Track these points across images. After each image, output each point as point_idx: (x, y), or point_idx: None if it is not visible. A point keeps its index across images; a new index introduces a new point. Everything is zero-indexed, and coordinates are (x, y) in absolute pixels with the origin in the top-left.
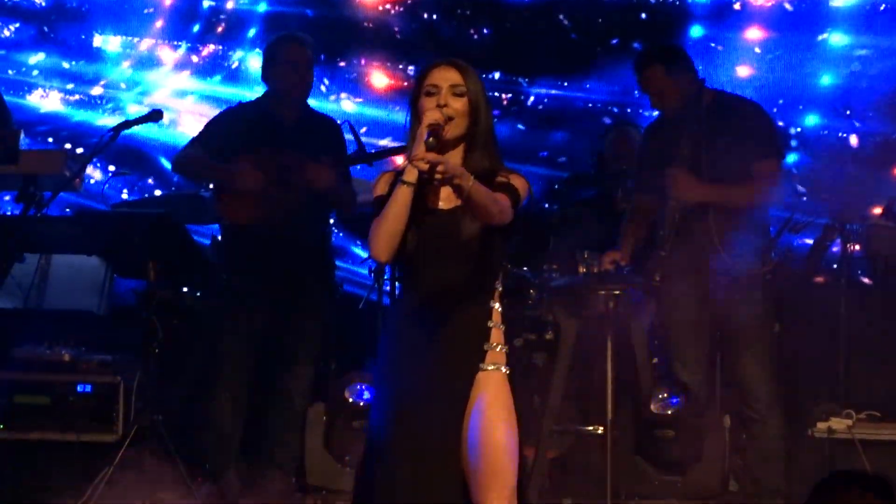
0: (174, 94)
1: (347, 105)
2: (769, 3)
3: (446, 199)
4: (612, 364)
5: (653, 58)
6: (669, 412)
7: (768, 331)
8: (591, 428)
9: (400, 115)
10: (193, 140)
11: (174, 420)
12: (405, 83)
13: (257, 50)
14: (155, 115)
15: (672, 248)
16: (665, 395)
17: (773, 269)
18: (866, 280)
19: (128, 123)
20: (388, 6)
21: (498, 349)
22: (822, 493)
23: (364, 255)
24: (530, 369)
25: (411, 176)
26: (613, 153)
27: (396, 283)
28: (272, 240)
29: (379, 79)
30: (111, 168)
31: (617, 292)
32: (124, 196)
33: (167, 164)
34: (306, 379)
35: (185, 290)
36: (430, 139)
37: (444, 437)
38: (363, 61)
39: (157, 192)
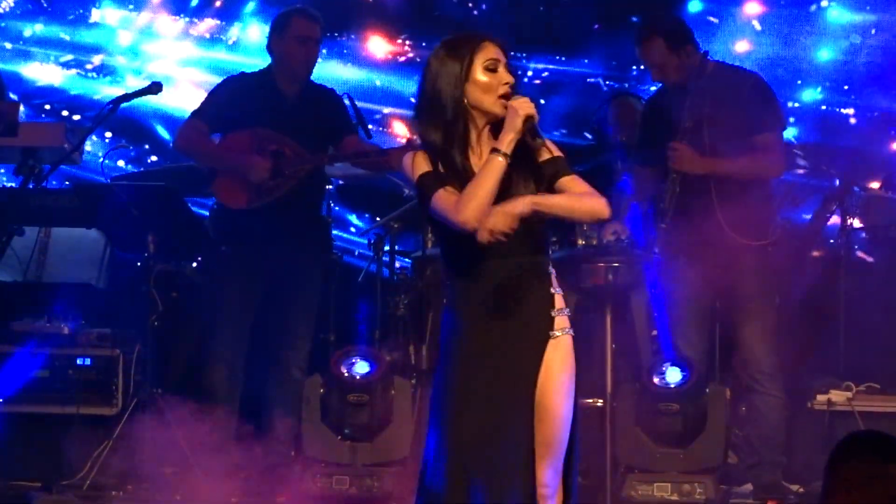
0: (174, 64)
1: (348, 72)
2: None
3: (515, 168)
4: (612, 336)
5: (653, 30)
6: (673, 386)
7: (771, 303)
8: (590, 400)
9: (398, 83)
10: (193, 115)
11: (174, 392)
12: (404, 52)
13: (256, 21)
14: (154, 88)
15: (672, 221)
16: (670, 369)
17: (774, 242)
18: (863, 255)
19: (127, 96)
20: None
21: (563, 313)
22: (838, 464)
23: (360, 224)
24: None
25: (510, 148)
26: (615, 124)
27: (448, 258)
28: (268, 215)
29: (378, 46)
30: (108, 134)
31: (616, 264)
32: (121, 164)
33: (164, 133)
34: (304, 351)
35: (184, 262)
36: (538, 140)
37: (520, 408)
38: (361, 33)
39: (153, 158)
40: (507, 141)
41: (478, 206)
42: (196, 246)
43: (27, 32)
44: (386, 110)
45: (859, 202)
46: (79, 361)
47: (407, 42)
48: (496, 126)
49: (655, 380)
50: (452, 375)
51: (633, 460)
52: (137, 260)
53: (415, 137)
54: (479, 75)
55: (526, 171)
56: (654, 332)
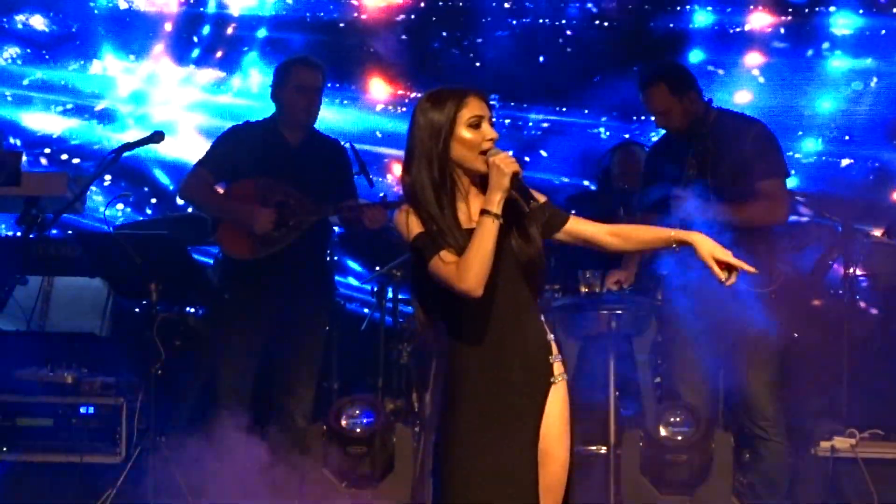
0: (176, 110)
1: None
2: (769, 28)
3: (504, 219)
4: (615, 384)
5: (657, 76)
6: (680, 438)
7: (774, 350)
8: (594, 448)
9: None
10: (198, 164)
11: (177, 441)
12: (406, 95)
13: (257, 69)
14: (156, 137)
15: (675, 268)
16: (676, 419)
17: (778, 289)
18: (865, 306)
19: (129, 146)
20: (388, 27)
21: (559, 359)
22: None
23: (361, 271)
24: None
25: (499, 208)
26: (618, 172)
27: (446, 310)
28: (273, 263)
29: (379, 90)
30: (108, 178)
31: (619, 312)
32: (119, 208)
33: (164, 179)
34: (307, 399)
35: (187, 311)
36: (533, 203)
37: (525, 456)
38: (362, 77)
39: (153, 200)
40: (496, 201)
41: (478, 273)
42: (199, 294)
43: (26, 81)
44: (387, 151)
45: (862, 249)
46: (82, 410)
47: (409, 86)
48: (483, 179)
49: (663, 431)
50: (456, 426)
51: None
52: (140, 308)
53: (385, 195)
54: (463, 132)
55: (523, 221)
56: (658, 380)
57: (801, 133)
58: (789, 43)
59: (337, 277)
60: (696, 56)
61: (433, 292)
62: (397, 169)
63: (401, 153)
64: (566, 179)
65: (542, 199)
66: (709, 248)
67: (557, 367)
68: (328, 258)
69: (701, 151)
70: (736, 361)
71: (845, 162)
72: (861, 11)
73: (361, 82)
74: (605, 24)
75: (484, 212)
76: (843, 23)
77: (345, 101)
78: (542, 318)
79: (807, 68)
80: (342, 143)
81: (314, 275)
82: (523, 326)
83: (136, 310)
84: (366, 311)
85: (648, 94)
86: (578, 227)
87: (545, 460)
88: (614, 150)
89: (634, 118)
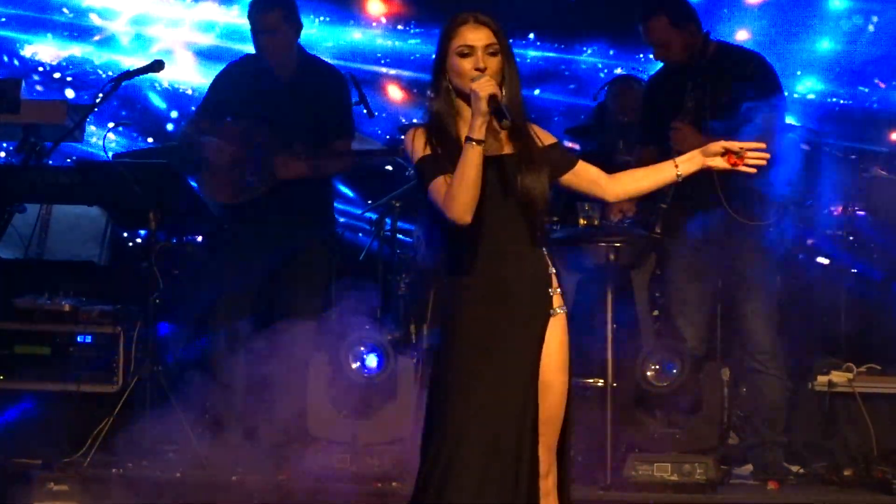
0: (168, 25)
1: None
2: None
3: (495, 146)
4: (612, 316)
5: (657, 8)
6: (666, 384)
7: (772, 283)
8: (591, 380)
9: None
10: (196, 111)
11: (174, 370)
12: (403, 11)
13: None
14: (156, 66)
15: (673, 202)
16: (659, 364)
17: (776, 222)
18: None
19: (129, 74)
20: None
21: (558, 292)
22: None
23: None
24: None
25: (482, 134)
26: (616, 106)
27: (447, 236)
28: (264, 202)
29: (376, 7)
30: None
31: (617, 244)
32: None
33: (159, 103)
34: (308, 332)
35: (186, 239)
36: (505, 121)
37: (524, 385)
38: None
39: (150, 140)
40: (477, 126)
41: (464, 199)
42: (198, 223)
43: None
44: (385, 71)
45: (863, 185)
46: (80, 339)
47: (406, 3)
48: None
49: (649, 375)
50: (454, 357)
51: (633, 440)
52: (139, 237)
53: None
54: (453, 60)
55: (529, 159)
56: (656, 313)
57: (799, 72)
58: None
59: (337, 205)
60: None
61: (435, 220)
62: (392, 89)
63: (397, 72)
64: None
65: (551, 139)
66: (713, 151)
67: (557, 300)
68: (329, 190)
69: (700, 84)
70: (734, 294)
71: (844, 102)
72: None
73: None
74: None
75: (467, 139)
76: None
77: (346, 21)
78: (545, 251)
79: (806, 6)
80: (342, 73)
81: (313, 206)
82: (523, 258)
83: (135, 240)
84: (360, 235)
85: (648, 26)
86: (585, 171)
87: (544, 391)
88: (610, 84)
89: (639, 56)
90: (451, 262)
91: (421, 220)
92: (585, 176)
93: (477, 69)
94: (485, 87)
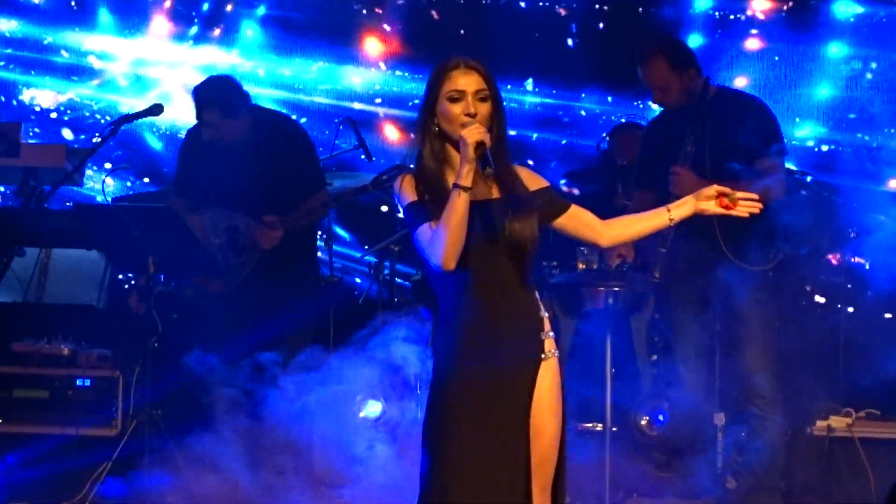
0: (168, 67)
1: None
2: (769, 14)
3: (483, 191)
4: (611, 360)
5: (656, 51)
6: (657, 433)
7: (771, 328)
8: (590, 425)
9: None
10: (172, 185)
11: (173, 414)
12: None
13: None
14: (155, 110)
15: (673, 245)
16: (650, 415)
17: (775, 267)
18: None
19: (128, 117)
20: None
21: (550, 336)
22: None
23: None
24: None
25: (469, 180)
26: (616, 151)
27: (437, 280)
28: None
29: (374, 48)
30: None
31: (616, 289)
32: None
33: (155, 144)
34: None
35: (184, 283)
36: (489, 169)
37: (516, 430)
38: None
39: (146, 180)
40: (464, 173)
41: (447, 246)
42: (196, 268)
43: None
44: (382, 112)
45: (861, 229)
46: (78, 383)
47: (404, 44)
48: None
49: (644, 425)
50: (445, 402)
51: (632, 484)
52: (137, 281)
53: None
54: (443, 105)
55: (519, 202)
56: (654, 357)
57: (798, 119)
58: (788, 28)
59: (336, 248)
60: (694, 41)
61: (424, 263)
62: (390, 130)
63: (395, 112)
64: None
65: (542, 183)
66: (706, 195)
67: (549, 344)
68: (309, 237)
69: (700, 128)
70: (733, 339)
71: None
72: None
73: (356, 41)
74: (605, 7)
75: (454, 185)
76: (843, 10)
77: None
78: (536, 295)
79: (805, 54)
80: (296, 123)
81: (297, 252)
82: (513, 302)
83: (136, 284)
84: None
85: (647, 68)
86: (579, 216)
87: (537, 435)
88: (613, 131)
89: (636, 103)
90: (441, 306)
91: None
92: (579, 220)
93: (467, 114)
94: (473, 133)
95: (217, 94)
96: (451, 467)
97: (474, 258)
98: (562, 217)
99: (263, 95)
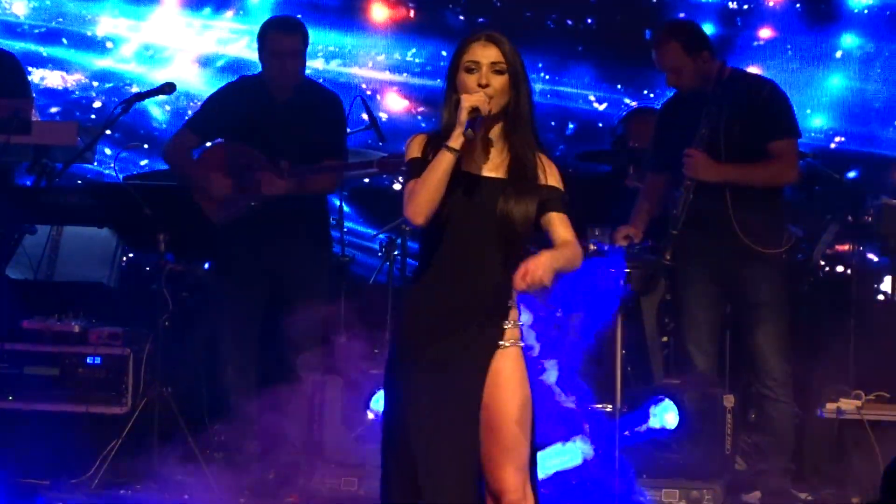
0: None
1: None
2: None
3: (489, 167)
4: (622, 343)
5: (670, 34)
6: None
7: (783, 310)
8: (600, 406)
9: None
10: (185, 125)
11: (184, 392)
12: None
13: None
14: (167, 88)
15: (685, 228)
16: (656, 414)
17: (788, 249)
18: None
19: (139, 96)
20: None
21: (515, 326)
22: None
23: (371, 231)
24: (542, 347)
25: (457, 143)
26: (629, 134)
27: (421, 246)
28: (266, 221)
29: (380, 12)
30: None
31: (628, 271)
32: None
33: (159, 116)
34: (313, 354)
35: (195, 262)
36: (469, 130)
37: (464, 411)
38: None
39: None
40: (455, 134)
41: (421, 201)
42: (207, 246)
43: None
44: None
45: (871, 212)
46: (89, 360)
47: (410, 6)
48: (507, 122)
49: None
50: (399, 369)
51: (641, 466)
52: (149, 259)
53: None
54: (462, 76)
55: (520, 190)
56: (665, 339)
57: (809, 111)
58: (802, 19)
59: (348, 225)
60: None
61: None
62: (391, 98)
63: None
64: None
65: (557, 184)
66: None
67: (512, 333)
68: (323, 210)
69: (714, 111)
70: (744, 321)
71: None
72: None
73: (362, 8)
74: None
75: (443, 144)
76: (858, 1)
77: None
78: (512, 283)
79: (818, 45)
80: (348, 96)
81: (307, 227)
82: (485, 284)
83: (147, 262)
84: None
85: (661, 52)
86: (552, 224)
87: (500, 422)
88: (628, 116)
89: (645, 91)
90: (416, 272)
91: None
92: (550, 228)
93: (479, 85)
94: (471, 99)
95: (300, 22)
96: (402, 456)
97: (460, 232)
98: (545, 217)
99: None
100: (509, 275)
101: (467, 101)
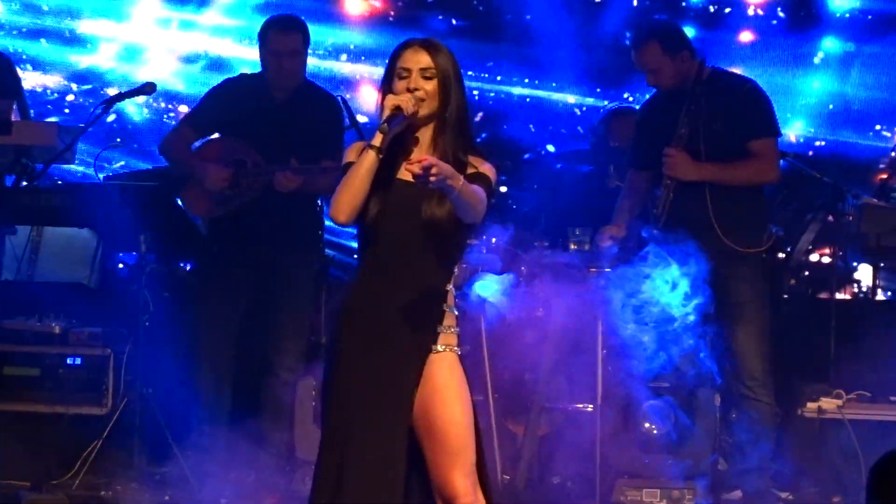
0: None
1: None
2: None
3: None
4: (602, 342)
5: (649, 34)
6: (657, 433)
7: (763, 310)
8: (581, 405)
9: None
10: (182, 120)
11: (164, 393)
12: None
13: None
14: (147, 88)
15: (666, 227)
16: (652, 419)
17: (768, 249)
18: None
19: (120, 96)
20: None
21: (451, 331)
22: (880, 476)
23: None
24: (521, 346)
25: (378, 140)
26: (609, 133)
27: (358, 252)
28: (256, 216)
29: (354, 5)
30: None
31: (607, 270)
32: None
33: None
34: (293, 353)
35: (176, 262)
36: (384, 125)
37: (394, 416)
38: None
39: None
40: (377, 134)
41: (342, 199)
42: (188, 246)
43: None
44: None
45: (852, 211)
46: (69, 361)
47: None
48: (436, 127)
49: (647, 426)
50: (332, 376)
51: (622, 465)
52: (129, 259)
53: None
54: (395, 82)
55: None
56: (646, 338)
57: (789, 115)
58: (783, 22)
59: (328, 224)
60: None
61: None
62: (366, 90)
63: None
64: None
65: (485, 169)
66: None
67: (447, 338)
68: (314, 211)
69: (694, 110)
70: (725, 320)
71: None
72: None
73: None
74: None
75: (366, 143)
76: (839, 4)
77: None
78: (449, 287)
79: (797, 46)
80: (337, 100)
81: (298, 228)
82: (414, 287)
83: (128, 262)
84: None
85: (640, 52)
86: None
87: (441, 426)
88: (609, 116)
89: (626, 95)
90: (353, 274)
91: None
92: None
93: (408, 89)
94: (394, 99)
95: (300, 21)
96: (330, 449)
97: (389, 235)
98: None
99: (246, 57)
100: (443, 278)
101: (390, 101)
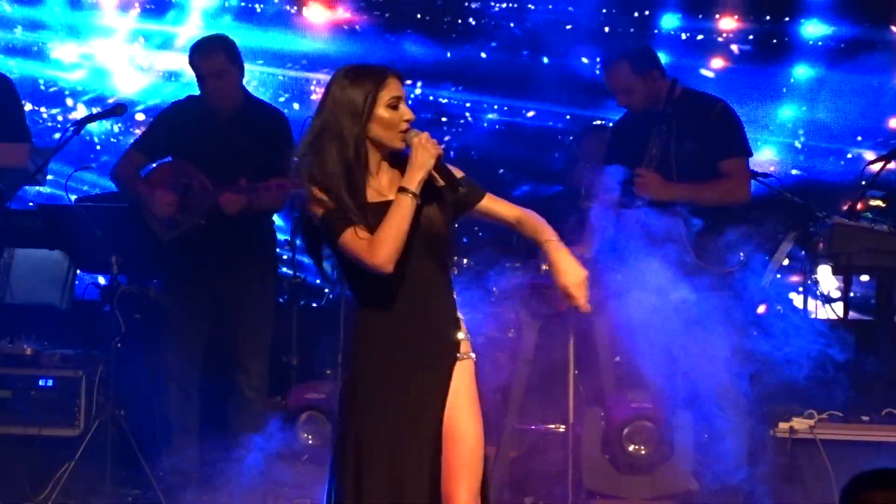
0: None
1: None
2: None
3: (386, 189)
4: (574, 362)
5: (620, 55)
6: (644, 452)
7: (736, 329)
8: (553, 426)
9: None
10: (132, 145)
11: (137, 414)
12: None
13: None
14: (118, 110)
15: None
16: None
17: (739, 268)
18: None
19: (91, 118)
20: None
21: (466, 337)
22: (851, 497)
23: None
24: (492, 367)
25: (418, 186)
26: (581, 153)
27: (354, 282)
28: (200, 242)
29: (317, 13)
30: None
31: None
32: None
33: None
34: (257, 374)
35: (147, 283)
36: (461, 189)
37: (429, 428)
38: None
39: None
40: (418, 180)
41: (390, 250)
42: (159, 267)
43: None
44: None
45: (823, 230)
46: (41, 382)
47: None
48: (394, 155)
49: (630, 448)
50: (356, 398)
51: (596, 486)
52: (101, 281)
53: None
54: (383, 112)
55: (432, 197)
56: (617, 358)
57: (760, 143)
58: (754, 49)
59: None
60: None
61: (342, 265)
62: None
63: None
64: None
65: (459, 174)
66: (571, 280)
67: (464, 346)
68: (268, 229)
69: (664, 130)
70: (698, 341)
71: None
72: (828, 22)
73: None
74: (569, 27)
75: (403, 190)
76: (811, 31)
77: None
78: (455, 295)
79: (767, 76)
80: (284, 115)
81: (250, 247)
82: (430, 301)
83: (99, 284)
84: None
85: (611, 72)
86: (493, 206)
87: (460, 438)
88: (583, 133)
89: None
90: (359, 303)
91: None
92: (494, 210)
93: (406, 120)
94: (434, 145)
95: (222, 40)
96: (363, 466)
97: (402, 257)
98: (478, 206)
99: None
100: (450, 286)
101: (434, 149)
